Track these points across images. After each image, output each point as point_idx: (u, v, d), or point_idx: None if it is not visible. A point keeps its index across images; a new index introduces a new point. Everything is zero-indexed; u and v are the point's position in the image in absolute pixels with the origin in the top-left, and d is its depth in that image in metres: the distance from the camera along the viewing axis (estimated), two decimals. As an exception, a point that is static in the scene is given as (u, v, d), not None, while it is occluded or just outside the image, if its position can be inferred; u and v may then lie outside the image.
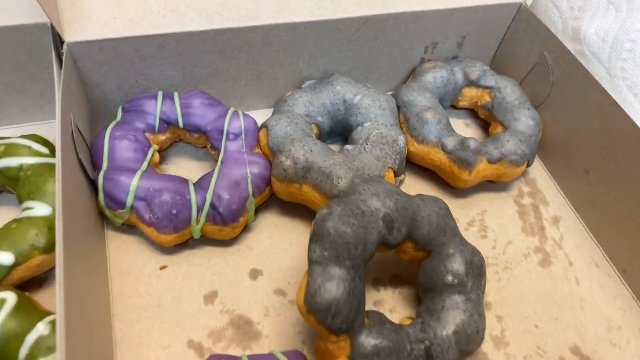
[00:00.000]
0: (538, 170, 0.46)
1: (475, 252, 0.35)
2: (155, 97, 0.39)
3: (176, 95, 0.39)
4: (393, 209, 0.32)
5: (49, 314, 0.30)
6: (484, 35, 0.47)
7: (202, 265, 0.37)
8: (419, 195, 0.35)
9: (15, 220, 0.32)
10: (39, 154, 0.35)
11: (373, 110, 0.41)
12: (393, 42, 0.44)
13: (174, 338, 0.33)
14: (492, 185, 0.44)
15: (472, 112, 0.49)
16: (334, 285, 0.29)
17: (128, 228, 0.37)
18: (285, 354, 0.30)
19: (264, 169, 0.38)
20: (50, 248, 0.32)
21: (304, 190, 0.37)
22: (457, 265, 0.33)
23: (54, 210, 0.32)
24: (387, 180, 0.38)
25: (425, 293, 0.35)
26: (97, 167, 0.36)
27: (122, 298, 0.34)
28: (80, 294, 0.28)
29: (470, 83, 0.46)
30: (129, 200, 0.34)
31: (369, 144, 0.39)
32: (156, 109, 0.38)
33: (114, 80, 0.38)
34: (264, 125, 0.40)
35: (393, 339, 0.30)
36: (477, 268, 0.34)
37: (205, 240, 0.37)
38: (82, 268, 0.29)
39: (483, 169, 0.41)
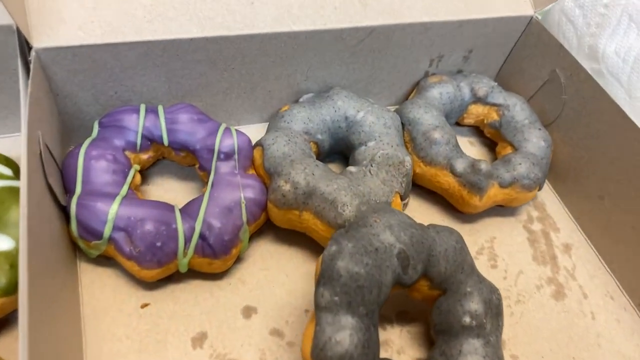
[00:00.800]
0: (546, 193, 0.44)
1: (493, 289, 0.32)
2: (137, 111, 0.34)
3: (160, 109, 0.35)
4: (408, 244, 0.29)
5: (10, 369, 0.25)
6: (491, 49, 0.44)
7: (188, 302, 0.32)
8: (432, 226, 0.32)
9: (-29, 256, 0.27)
10: (0, 176, 0.30)
11: (377, 128, 0.38)
12: (397, 54, 0.41)
13: (157, 389, 0.29)
14: (500, 209, 0.41)
15: (477, 130, 0.47)
16: (346, 336, 0.25)
17: (104, 259, 0.33)
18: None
19: (259, 193, 0.34)
20: (11, 289, 0.27)
21: (303, 218, 0.33)
22: (474, 304, 0.30)
23: (17, 243, 0.28)
24: (394, 206, 0.35)
25: (438, 334, 0.31)
26: (68, 190, 0.31)
27: (96, 342, 0.30)
28: (48, 342, 0.23)
29: (477, 99, 0.43)
30: (107, 231, 0.30)
31: (374, 165, 0.36)
32: (138, 124, 0.34)
33: (90, 91, 0.34)
34: (259, 144, 0.36)
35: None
36: (495, 307, 0.31)
37: (192, 273, 0.33)
38: (50, 311, 0.25)
39: (494, 194, 0.38)
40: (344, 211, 0.32)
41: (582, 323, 0.36)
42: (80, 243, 0.31)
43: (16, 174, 0.31)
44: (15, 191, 0.30)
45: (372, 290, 0.27)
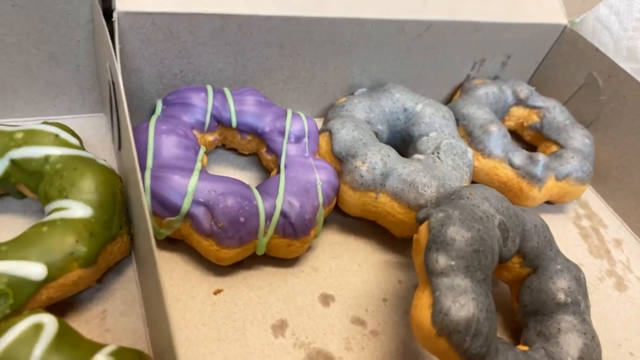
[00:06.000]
0: (588, 193, 0.44)
1: (578, 269, 0.31)
2: (204, 90, 0.33)
3: (227, 90, 0.34)
4: (507, 216, 0.28)
5: (96, 344, 0.22)
6: (526, 56, 0.46)
7: (263, 289, 0.30)
8: (514, 205, 0.31)
9: (46, 223, 0.24)
10: (67, 144, 0.27)
11: (437, 119, 0.38)
12: (447, 54, 0.41)
13: (243, 379, 0.26)
14: (547, 207, 0.42)
15: (514, 135, 0.48)
16: (469, 300, 0.24)
17: (168, 243, 0.30)
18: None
19: (332, 176, 0.33)
20: (91, 260, 0.24)
21: (380, 201, 0.32)
22: (567, 281, 0.30)
23: (95, 211, 0.25)
24: (464, 192, 0.34)
25: (529, 316, 0.30)
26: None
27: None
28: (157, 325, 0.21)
29: (519, 102, 0.44)
30: (185, 205, 0.28)
31: (440, 153, 0.35)
32: (207, 102, 0.32)
33: (157, 67, 0.32)
34: (326, 129, 0.35)
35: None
36: (583, 286, 0.31)
37: (264, 260, 0.31)
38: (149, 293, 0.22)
39: (551, 186, 0.38)
40: (425, 192, 0.31)
41: (649, 313, 0.36)
42: (151, 221, 0.28)
43: (82, 146, 0.29)
44: (85, 160, 0.27)
45: (487, 255, 0.25)
